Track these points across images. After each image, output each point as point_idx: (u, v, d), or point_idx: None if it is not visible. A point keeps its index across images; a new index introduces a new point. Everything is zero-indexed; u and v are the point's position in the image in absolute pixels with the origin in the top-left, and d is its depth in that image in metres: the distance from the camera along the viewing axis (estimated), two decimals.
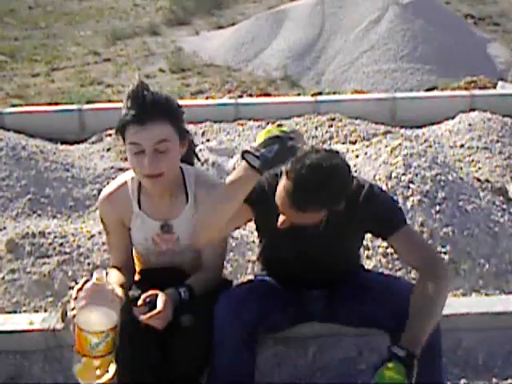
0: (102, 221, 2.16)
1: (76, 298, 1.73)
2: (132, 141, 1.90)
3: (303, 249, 1.97)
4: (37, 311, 2.67)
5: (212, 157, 3.77)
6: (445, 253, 2.80)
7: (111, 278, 2.03)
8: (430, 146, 4.14)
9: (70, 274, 2.83)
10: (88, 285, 1.68)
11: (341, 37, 8.03)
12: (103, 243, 2.96)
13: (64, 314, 2.29)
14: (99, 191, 3.68)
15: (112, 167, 3.90)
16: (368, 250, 2.82)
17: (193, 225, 1.95)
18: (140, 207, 2.08)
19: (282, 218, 1.83)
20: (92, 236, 3.03)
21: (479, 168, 3.93)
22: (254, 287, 2.02)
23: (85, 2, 12.38)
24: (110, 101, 5.67)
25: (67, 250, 2.93)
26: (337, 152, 1.82)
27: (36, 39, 9.45)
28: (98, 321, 1.65)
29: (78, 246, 2.96)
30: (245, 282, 2.15)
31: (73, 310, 1.75)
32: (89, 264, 2.87)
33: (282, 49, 7.78)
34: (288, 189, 1.74)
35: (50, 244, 2.96)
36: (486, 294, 2.66)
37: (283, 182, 1.77)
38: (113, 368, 1.69)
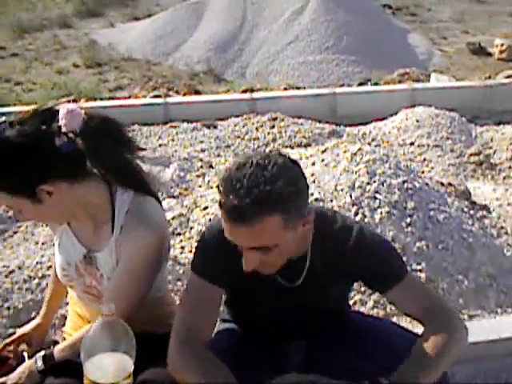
0: None
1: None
2: None
3: (279, 306, 1.61)
4: None
5: (145, 167, 3.29)
6: (420, 270, 2.53)
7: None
8: (379, 145, 3.90)
9: None
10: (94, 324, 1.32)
11: (264, 28, 7.92)
12: (25, 280, 2.47)
13: None
14: None
15: None
16: (378, 303, 2.43)
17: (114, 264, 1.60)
18: (70, 224, 1.69)
19: (244, 258, 1.44)
20: (11, 272, 2.51)
21: (432, 168, 3.71)
22: (230, 346, 1.63)
23: None
24: (20, 101, 5.09)
25: None
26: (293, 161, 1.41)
27: None
28: (118, 364, 1.33)
29: None
30: (216, 337, 1.74)
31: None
32: (8, 308, 2.36)
33: (203, 41, 7.55)
34: (221, 202, 1.33)
35: None
36: (470, 316, 2.41)
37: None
38: None
